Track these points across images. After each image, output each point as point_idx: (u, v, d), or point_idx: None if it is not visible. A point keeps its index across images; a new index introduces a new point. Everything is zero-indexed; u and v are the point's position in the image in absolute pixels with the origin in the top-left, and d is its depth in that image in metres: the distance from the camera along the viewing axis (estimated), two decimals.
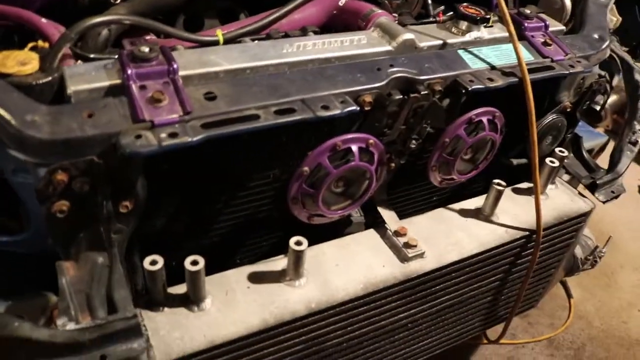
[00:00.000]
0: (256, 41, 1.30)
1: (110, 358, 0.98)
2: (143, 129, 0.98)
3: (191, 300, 1.12)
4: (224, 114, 1.04)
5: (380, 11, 1.46)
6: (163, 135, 0.96)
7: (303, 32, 1.42)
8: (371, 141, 1.23)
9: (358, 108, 1.15)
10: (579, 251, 1.92)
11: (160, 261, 1.06)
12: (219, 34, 1.28)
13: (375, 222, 1.41)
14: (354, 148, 1.21)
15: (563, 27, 1.62)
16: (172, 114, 1.01)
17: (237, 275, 1.20)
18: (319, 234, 1.31)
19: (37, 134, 0.94)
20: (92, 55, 1.16)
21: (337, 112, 1.11)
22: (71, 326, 0.99)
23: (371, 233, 1.37)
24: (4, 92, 0.98)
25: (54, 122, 0.96)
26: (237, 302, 1.15)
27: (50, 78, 1.04)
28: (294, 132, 1.14)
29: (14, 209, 1.16)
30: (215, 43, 1.27)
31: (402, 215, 1.45)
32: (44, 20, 1.19)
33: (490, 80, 1.33)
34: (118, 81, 1.05)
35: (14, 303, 1.15)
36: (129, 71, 1.05)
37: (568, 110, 1.64)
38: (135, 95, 1.02)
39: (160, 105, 1.02)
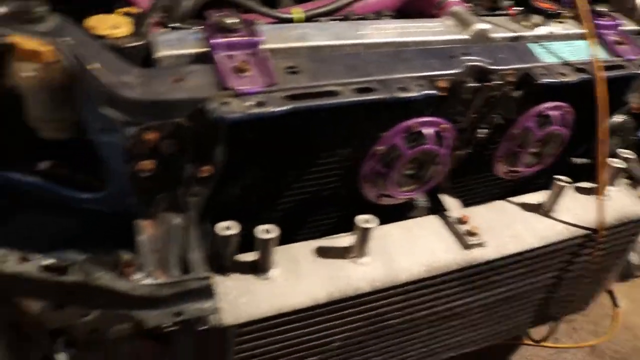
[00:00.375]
0: (334, 21, 1.32)
1: (183, 315, 1.01)
2: (229, 97, 1.00)
3: (259, 268, 1.15)
4: (307, 88, 1.06)
5: (454, 0, 1.47)
6: (249, 103, 0.99)
7: (378, 15, 1.43)
8: (445, 126, 1.24)
9: (436, 92, 1.16)
10: (634, 257, 1.90)
11: (236, 227, 1.09)
12: (299, 12, 1.31)
13: (438, 208, 1.42)
14: (429, 131, 1.22)
15: (636, 27, 1.61)
16: (257, 84, 1.03)
17: (303, 248, 1.22)
18: (383, 215, 1.32)
19: (130, 94, 0.97)
20: (176, 25, 1.19)
21: (416, 94, 1.13)
22: (147, 282, 1.02)
23: (434, 218, 1.38)
24: (99, 52, 1.01)
25: (145, 84, 1.00)
26: (303, 274, 1.17)
27: (141, 42, 1.07)
28: (371, 112, 1.16)
29: (93, 168, 1.20)
30: (293, 21, 1.30)
31: (462, 204, 1.46)
32: None
33: (563, 74, 1.33)
34: (204, 50, 1.09)
35: (89, 257, 1.19)
36: (216, 40, 1.08)
37: (636, 112, 1.62)
38: (221, 64, 1.05)
39: (244, 75, 1.04)
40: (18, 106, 1.11)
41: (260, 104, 0.99)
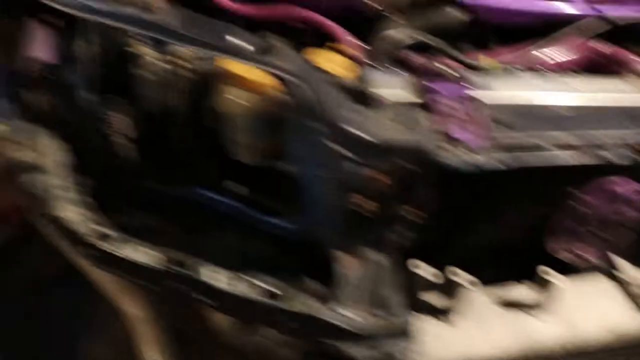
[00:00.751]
0: (531, 74, 1.33)
1: (380, 352, 1.03)
2: (450, 144, 1.03)
3: (446, 311, 1.15)
4: (521, 142, 1.07)
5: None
6: (472, 153, 1.01)
7: (564, 71, 1.44)
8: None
9: (636, 156, 1.15)
10: None
11: (431, 270, 1.10)
12: (493, 62, 1.32)
13: (612, 270, 1.39)
14: (626, 193, 1.21)
15: None
16: (475, 134, 1.05)
17: (484, 296, 1.22)
18: (558, 270, 1.31)
19: (356, 131, 1.01)
20: (379, 65, 1.23)
21: (617, 158, 1.12)
22: (347, 315, 1.05)
23: (609, 280, 1.36)
24: (326, 86, 1.06)
25: (366, 123, 1.03)
26: (487, 323, 1.17)
27: (361, 82, 1.11)
28: (571, 169, 1.16)
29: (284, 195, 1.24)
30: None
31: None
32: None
33: None
34: (419, 94, 1.11)
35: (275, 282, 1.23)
36: (432, 85, 1.10)
37: None
38: (439, 111, 1.08)
39: (462, 123, 1.06)
40: (220, 128, 1.17)
41: (483, 155, 1.01)
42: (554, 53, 1.45)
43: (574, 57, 1.47)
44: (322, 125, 1.02)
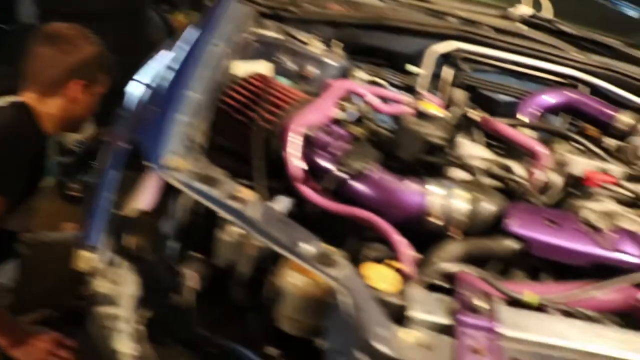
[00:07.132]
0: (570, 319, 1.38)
1: None
2: None
3: None
4: None
5: None
6: None
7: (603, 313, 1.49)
8: None
9: None
10: None
11: None
12: (533, 296, 1.40)
13: None
14: None
15: None
16: None
17: None
18: None
19: (383, 349, 1.13)
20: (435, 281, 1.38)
21: None
22: None
23: None
24: (367, 301, 1.20)
25: (399, 342, 1.15)
26: None
27: (398, 300, 1.24)
28: None
29: None
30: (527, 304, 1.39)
31: None
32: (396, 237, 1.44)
33: None
34: (449, 322, 1.22)
35: None
36: (463, 318, 1.22)
37: None
38: (462, 343, 1.18)
39: (479, 356, 1.16)
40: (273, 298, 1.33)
41: None
42: (598, 295, 1.51)
43: (611, 300, 1.52)
44: (354, 335, 1.16)
